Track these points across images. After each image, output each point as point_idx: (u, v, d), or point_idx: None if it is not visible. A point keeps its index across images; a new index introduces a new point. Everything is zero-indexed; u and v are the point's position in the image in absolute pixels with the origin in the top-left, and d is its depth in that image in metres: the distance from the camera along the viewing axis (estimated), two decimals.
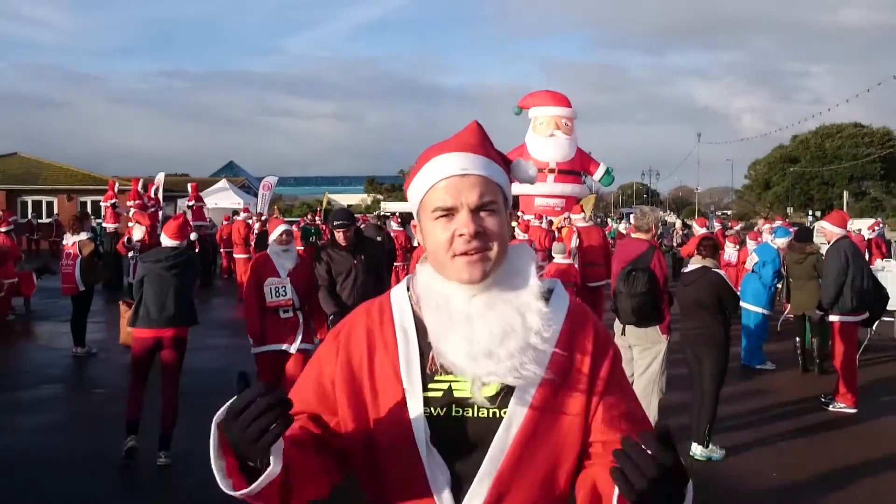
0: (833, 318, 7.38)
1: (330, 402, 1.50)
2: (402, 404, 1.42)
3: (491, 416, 1.41)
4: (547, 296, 1.48)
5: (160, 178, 20.46)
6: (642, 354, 6.02)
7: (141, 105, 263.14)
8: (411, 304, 1.51)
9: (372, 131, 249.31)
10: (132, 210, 15.62)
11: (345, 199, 59.94)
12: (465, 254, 1.40)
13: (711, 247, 6.25)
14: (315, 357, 1.56)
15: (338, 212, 6.55)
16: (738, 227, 21.20)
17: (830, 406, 7.33)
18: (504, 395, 1.40)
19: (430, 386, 1.43)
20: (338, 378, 1.49)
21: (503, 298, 1.42)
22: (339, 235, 6.10)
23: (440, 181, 1.43)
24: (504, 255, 1.45)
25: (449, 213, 1.42)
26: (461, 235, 1.39)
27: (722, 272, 6.12)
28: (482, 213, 1.42)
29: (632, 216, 7.21)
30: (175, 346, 5.90)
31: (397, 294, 1.56)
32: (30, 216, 32.24)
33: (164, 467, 5.62)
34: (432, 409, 1.42)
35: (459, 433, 1.41)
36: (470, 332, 1.38)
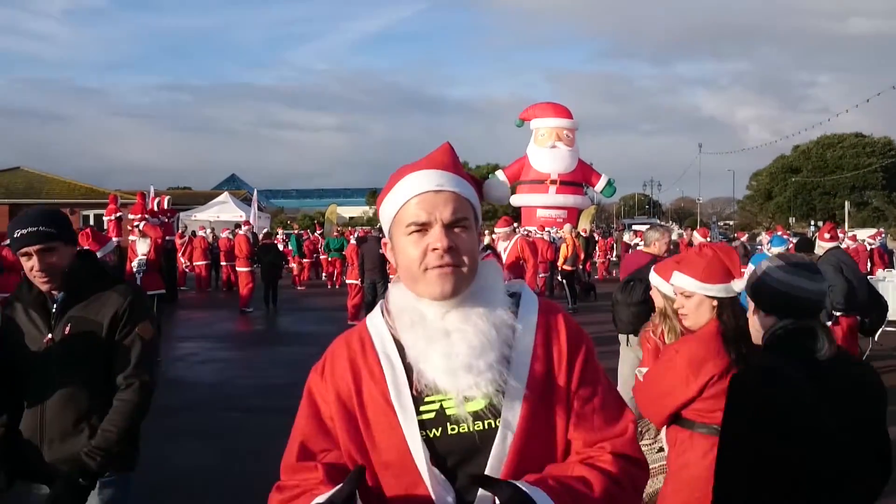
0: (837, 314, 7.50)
1: (334, 438, 1.51)
2: (398, 431, 1.44)
3: (486, 427, 1.42)
4: (517, 301, 1.51)
5: (151, 191, 20.30)
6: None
7: (143, 119, 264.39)
8: (388, 328, 1.52)
9: (375, 143, 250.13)
10: (136, 224, 15.62)
11: (346, 212, 60.07)
12: (438, 267, 1.41)
13: None
14: (307, 397, 1.57)
15: (18, 219, 2.69)
16: (743, 238, 21.18)
17: None
18: (493, 406, 1.42)
19: (423, 408, 1.44)
20: (334, 413, 1.50)
21: (478, 312, 1.45)
22: (28, 266, 2.64)
23: (414, 197, 1.45)
24: (475, 272, 1.47)
25: (422, 228, 1.44)
26: (434, 250, 1.41)
27: None
28: (455, 229, 1.44)
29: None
30: None
31: (373, 321, 1.57)
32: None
33: (170, 481, 5.61)
34: (428, 430, 1.43)
35: (458, 450, 1.43)
36: (448, 346, 1.41)
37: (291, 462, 1.51)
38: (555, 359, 1.49)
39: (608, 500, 1.39)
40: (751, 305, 2.38)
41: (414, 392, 1.45)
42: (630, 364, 6.12)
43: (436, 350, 1.41)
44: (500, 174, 27.22)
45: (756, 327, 2.33)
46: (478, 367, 1.38)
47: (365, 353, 1.51)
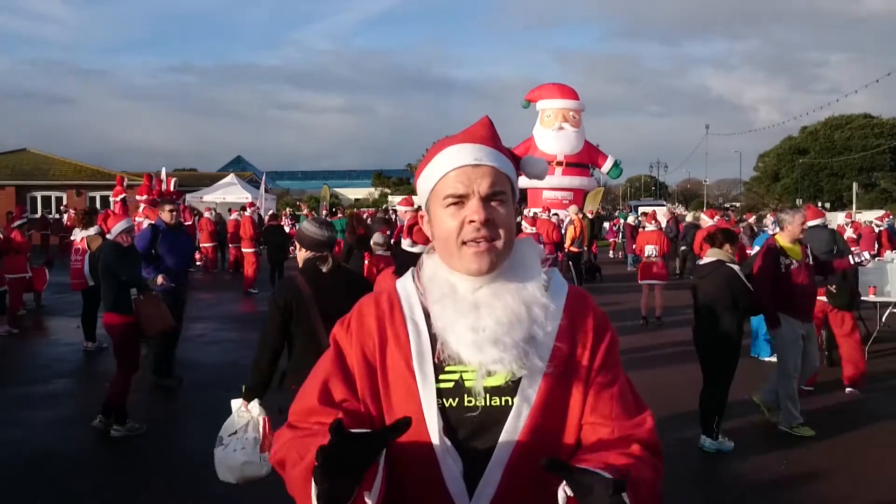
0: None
1: (354, 390, 1.51)
2: (415, 397, 1.45)
3: (503, 404, 1.43)
4: (547, 283, 1.51)
5: (163, 173, 20.25)
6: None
7: (149, 100, 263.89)
8: (419, 294, 1.53)
9: (381, 125, 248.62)
10: (141, 206, 15.61)
11: (352, 193, 59.92)
12: (474, 241, 1.42)
13: (724, 235, 6.18)
14: (333, 346, 1.57)
15: None
16: (751, 220, 21.05)
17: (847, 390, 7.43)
18: (512, 383, 1.44)
19: (442, 377, 1.45)
20: (356, 368, 1.51)
21: (509, 289, 1.46)
22: None
23: (452, 170, 1.47)
24: (511, 246, 1.48)
25: (460, 200, 1.45)
26: (471, 222, 1.42)
27: (736, 267, 6.05)
28: (492, 203, 1.45)
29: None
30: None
31: (405, 285, 1.58)
32: (42, 211, 32.36)
33: (178, 461, 5.65)
34: (445, 400, 1.45)
35: (471, 423, 1.44)
36: (476, 320, 1.41)
37: (312, 403, 1.48)
38: (579, 342, 1.50)
39: (655, 486, 1.41)
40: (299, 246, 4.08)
41: (436, 360, 1.46)
42: None
43: (463, 323, 1.41)
44: None
45: (301, 258, 4.07)
46: (504, 342, 1.39)
47: (393, 315, 1.52)
